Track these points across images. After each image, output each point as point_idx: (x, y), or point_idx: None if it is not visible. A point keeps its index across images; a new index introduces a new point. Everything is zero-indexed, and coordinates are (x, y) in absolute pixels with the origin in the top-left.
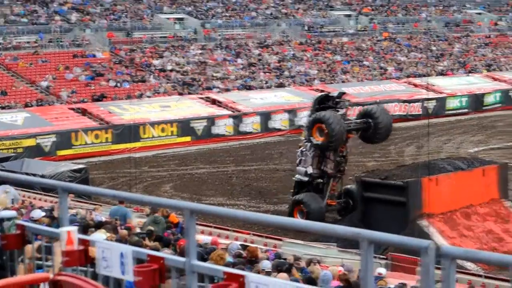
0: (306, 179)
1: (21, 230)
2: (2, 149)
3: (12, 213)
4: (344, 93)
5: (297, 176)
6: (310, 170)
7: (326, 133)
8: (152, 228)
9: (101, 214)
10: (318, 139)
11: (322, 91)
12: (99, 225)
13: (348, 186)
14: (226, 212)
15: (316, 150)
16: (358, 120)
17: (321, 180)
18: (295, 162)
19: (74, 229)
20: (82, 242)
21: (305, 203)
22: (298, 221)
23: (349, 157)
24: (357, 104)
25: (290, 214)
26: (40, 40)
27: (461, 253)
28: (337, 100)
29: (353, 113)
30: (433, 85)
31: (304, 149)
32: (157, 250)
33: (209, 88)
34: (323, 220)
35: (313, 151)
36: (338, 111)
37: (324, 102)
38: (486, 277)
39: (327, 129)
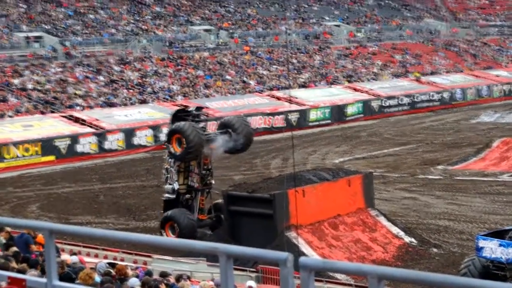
0: (173, 196)
1: None
2: None
3: None
4: (202, 107)
5: (165, 195)
6: (176, 186)
7: (184, 142)
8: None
9: None
10: (177, 150)
11: (185, 106)
12: None
13: (219, 201)
14: (86, 231)
15: (181, 165)
16: (218, 131)
17: (189, 196)
18: (161, 179)
19: None
20: None
21: (175, 219)
22: (158, 238)
23: (215, 171)
24: (218, 118)
25: (161, 233)
26: None
27: (319, 264)
28: (195, 113)
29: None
30: (296, 98)
31: (169, 166)
32: (24, 271)
33: (71, 106)
34: (195, 235)
35: (177, 167)
36: (197, 123)
37: (181, 116)
38: (356, 286)
39: (184, 137)
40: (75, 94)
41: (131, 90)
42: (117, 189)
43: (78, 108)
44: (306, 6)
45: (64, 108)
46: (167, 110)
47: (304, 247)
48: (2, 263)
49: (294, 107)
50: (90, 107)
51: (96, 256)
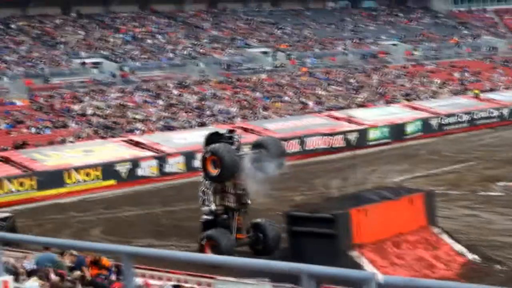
0: (211, 217)
1: None
2: None
3: None
4: (234, 130)
5: (203, 217)
6: (213, 207)
7: (219, 163)
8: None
9: (31, 261)
10: (213, 172)
11: (244, 128)
12: (30, 273)
13: (257, 220)
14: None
15: (216, 186)
16: (251, 151)
17: (226, 216)
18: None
19: (9, 278)
20: None
21: (214, 238)
22: (238, 259)
23: (274, 192)
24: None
25: (201, 251)
26: None
27: (402, 282)
28: (228, 135)
29: None
30: (354, 117)
31: (204, 188)
32: None
33: (131, 131)
34: (232, 254)
35: (213, 188)
36: (230, 145)
37: (214, 139)
38: None
39: (218, 158)
40: (135, 118)
41: (190, 113)
42: (177, 212)
43: (137, 132)
44: (363, 26)
45: (124, 133)
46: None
47: (368, 266)
48: (68, 286)
49: (353, 126)
50: (150, 131)
51: (160, 278)
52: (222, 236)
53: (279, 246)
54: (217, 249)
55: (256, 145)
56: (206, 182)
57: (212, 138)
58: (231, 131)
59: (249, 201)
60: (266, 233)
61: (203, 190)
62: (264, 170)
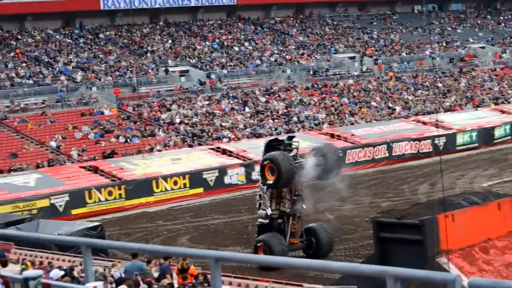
0: (266, 221)
1: None
2: (17, 211)
3: (38, 272)
4: (293, 136)
5: (259, 220)
6: (269, 211)
7: (276, 171)
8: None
9: (119, 270)
10: (270, 179)
11: (331, 134)
12: (119, 282)
13: (311, 225)
14: (250, 258)
15: (273, 191)
16: (309, 159)
17: (281, 220)
18: (306, 206)
19: (100, 284)
20: None
21: (267, 243)
22: (326, 263)
23: (361, 199)
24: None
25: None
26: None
27: (489, 284)
28: (287, 142)
29: None
30: (442, 122)
31: (261, 193)
32: None
33: (218, 138)
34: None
35: (270, 193)
36: (289, 152)
37: (274, 146)
38: None
39: (276, 167)
40: (222, 126)
41: (277, 120)
42: None
43: (225, 140)
44: (450, 29)
45: (211, 140)
46: (313, 139)
47: (455, 273)
48: None
49: (441, 131)
50: (237, 139)
51: (247, 286)
52: (274, 241)
53: (331, 250)
54: (269, 253)
55: (314, 153)
56: (263, 187)
57: (272, 144)
58: (290, 138)
59: (304, 206)
60: (318, 238)
61: (260, 195)
62: (321, 177)
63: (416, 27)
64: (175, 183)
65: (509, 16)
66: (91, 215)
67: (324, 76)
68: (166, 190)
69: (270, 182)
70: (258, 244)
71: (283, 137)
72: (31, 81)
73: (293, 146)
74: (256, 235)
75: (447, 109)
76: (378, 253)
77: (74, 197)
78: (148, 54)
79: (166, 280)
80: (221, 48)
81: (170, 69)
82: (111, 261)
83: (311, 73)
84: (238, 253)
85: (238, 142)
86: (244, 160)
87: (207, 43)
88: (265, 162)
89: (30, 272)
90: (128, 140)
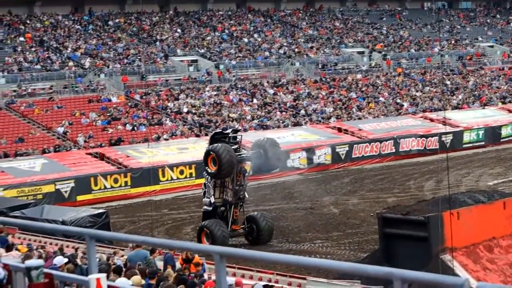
0: (210, 208)
1: (49, 279)
2: (22, 196)
3: (39, 262)
4: (238, 130)
5: (204, 207)
6: (213, 199)
7: (218, 162)
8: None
9: (122, 257)
10: (212, 169)
11: (339, 128)
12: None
13: (252, 213)
14: (254, 254)
15: (216, 181)
16: (250, 152)
17: (224, 208)
18: (311, 200)
19: (103, 276)
20: None
21: (209, 228)
22: (329, 262)
23: (368, 194)
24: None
25: (198, 239)
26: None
27: None
28: (231, 135)
29: None
30: (449, 119)
31: (206, 182)
32: None
33: (225, 129)
34: (226, 243)
35: (214, 182)
36: (232, 145)
37: (218, 138)
38: None
39: (217, 158)
40: (229, 116)
41: (284, 113)
42: (270, 211)
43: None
44: (459, 27)
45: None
46: (320, 132)
47: (459, 270)
48: (167, 286)
49: (448, 128)
50: (245, 130)
51: (251, 278)
52: (216, 227)
53: (271, 237)
54: (211, 238)
55: (254, 146)
56: (208, 176)
57: (216, 137)
58: (234, 131)
59: (246, 195)
60: (259, 226)
61: (205, 183)
62: (261, 169)
63: (426, 24)
64: (181, 172)
65: None
66: (97, 202)
67: (333, 70)
68: (172, 179)
69: (212, 172)
70: (201, 230)
71: (227, 130)
72: (38, 66)
73: (237, 139)
74: (201, 221)
75: (454, 106)
76: (383, 249)
77: (80, 183)
78: (157, 43)
79: (170, 270)
80: (230, 39)
81: (179, 58)
82: (114, 248)
83: (320, 66)
84: (243, 250)
85: (245, 134)
86: None
87: (217, 33)
88: (208, 153)
89: (33, 262)
90: (135, 128)
